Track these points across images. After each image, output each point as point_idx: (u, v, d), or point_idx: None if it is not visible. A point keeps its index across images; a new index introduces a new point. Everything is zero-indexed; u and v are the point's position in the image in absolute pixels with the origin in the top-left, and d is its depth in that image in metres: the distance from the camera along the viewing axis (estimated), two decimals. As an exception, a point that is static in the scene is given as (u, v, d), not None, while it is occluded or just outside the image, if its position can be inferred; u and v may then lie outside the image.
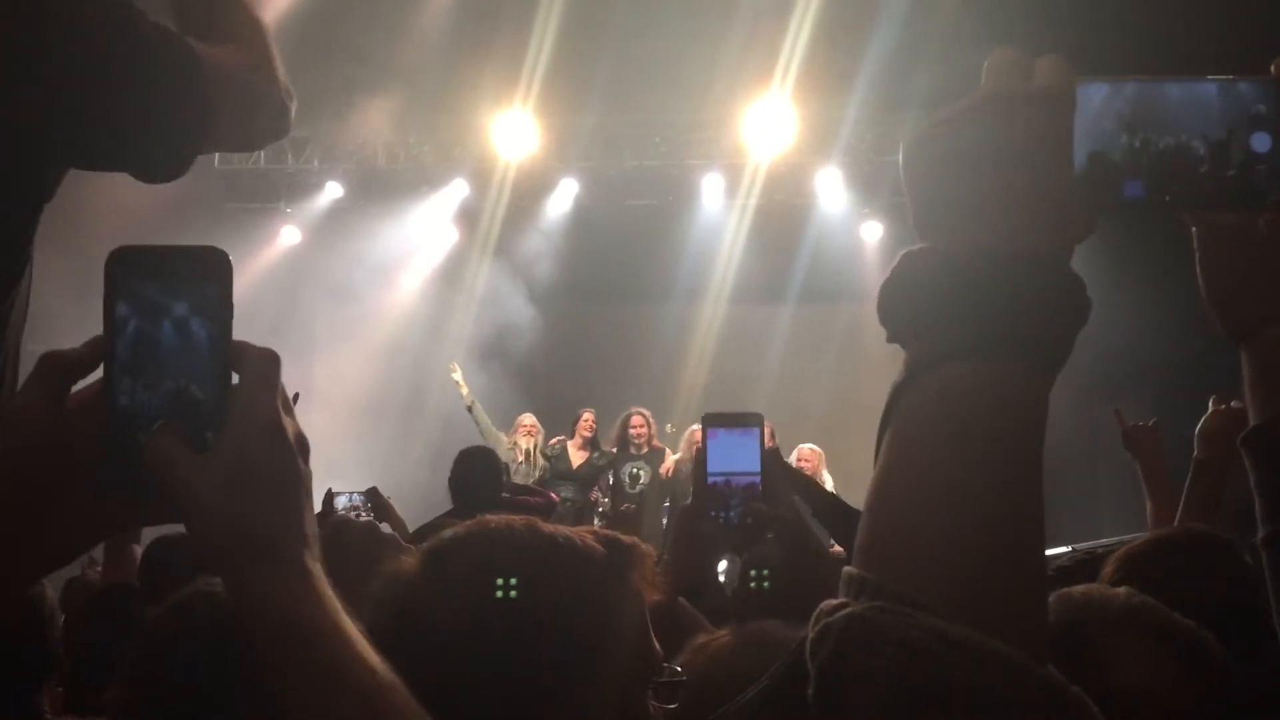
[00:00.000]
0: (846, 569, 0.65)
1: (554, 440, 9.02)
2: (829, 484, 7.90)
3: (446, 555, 1.15)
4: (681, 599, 1.97)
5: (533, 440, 8.75)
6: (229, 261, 0.81)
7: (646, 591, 1.19)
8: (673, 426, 10.31)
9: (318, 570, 0.79)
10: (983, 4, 9.10)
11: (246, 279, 10.19)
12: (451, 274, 11.91)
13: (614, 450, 8.98)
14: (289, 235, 11.75)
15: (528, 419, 8.96)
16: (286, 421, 0.80)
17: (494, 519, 1.18)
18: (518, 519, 1.18)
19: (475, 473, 5.01)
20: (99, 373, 0.80)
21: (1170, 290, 8.71)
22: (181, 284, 0.80)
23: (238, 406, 0.79)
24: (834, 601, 0.63)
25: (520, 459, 8.55)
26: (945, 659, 0.58)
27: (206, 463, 0.77)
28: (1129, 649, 1.17)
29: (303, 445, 0.82)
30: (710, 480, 1.96)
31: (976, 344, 0.64)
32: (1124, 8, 8.41)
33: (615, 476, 8.67)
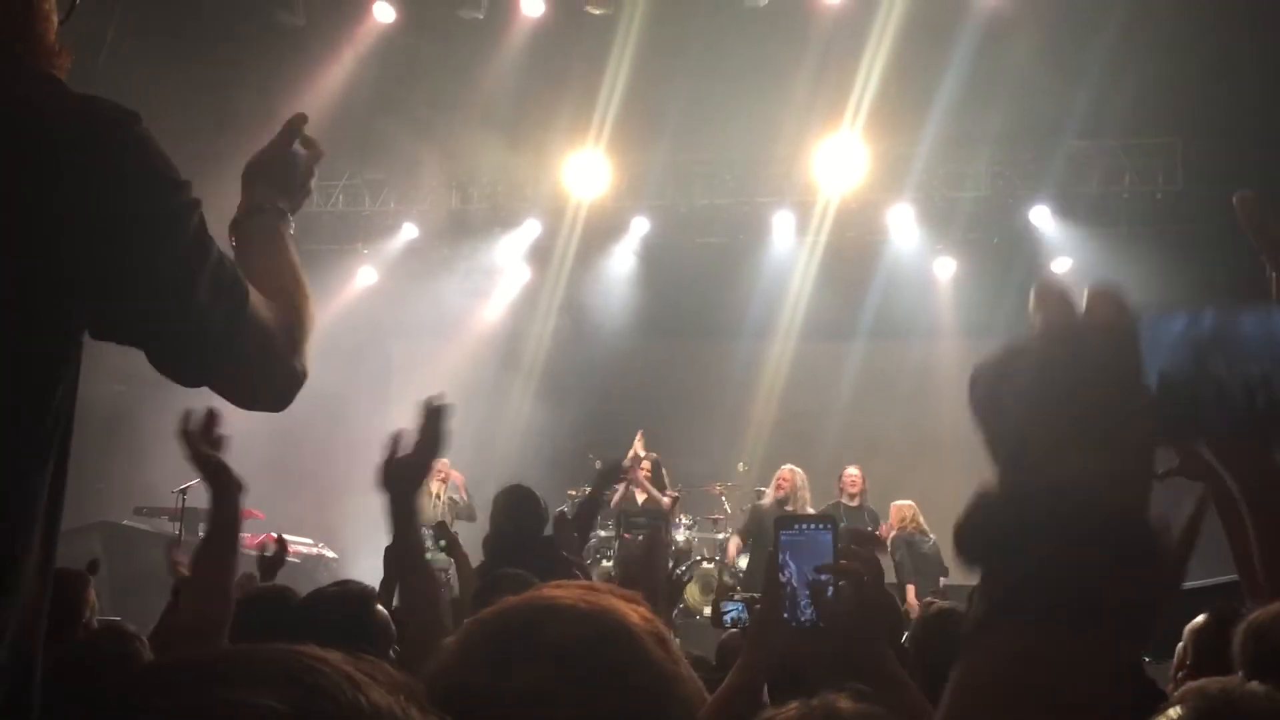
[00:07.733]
0: None
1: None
2: (809, 506, 7.89)
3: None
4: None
5: (440, 485, 8.76)
6: None
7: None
8: (744, 465, 10.26)
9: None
10: (1053, 44, 9.03)
11: (324, 318, 10.30)
12: (524, 312, 12.03)
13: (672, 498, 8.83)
14: (366, 276, 11.97)
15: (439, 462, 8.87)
16: None
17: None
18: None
19: (513, 519, 4.73)
20: None
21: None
22: None
23: None
24: None
25: (433, 500, 8.56)
26: None
27: None
28: None
29: None
30: (783, 580, 1.94)
31: (1039, 610, 0.61)
32: (1196, 51, 8.30)
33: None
